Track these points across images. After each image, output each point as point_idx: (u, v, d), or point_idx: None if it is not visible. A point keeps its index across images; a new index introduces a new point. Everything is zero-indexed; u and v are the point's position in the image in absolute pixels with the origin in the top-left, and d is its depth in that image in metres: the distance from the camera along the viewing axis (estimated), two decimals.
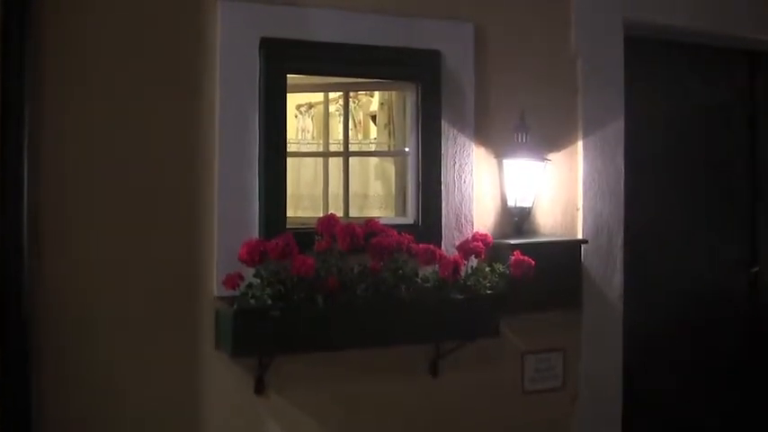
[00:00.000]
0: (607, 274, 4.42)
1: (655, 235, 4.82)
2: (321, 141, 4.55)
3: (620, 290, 4.46)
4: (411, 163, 4.05)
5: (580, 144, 4.39)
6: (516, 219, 4.18)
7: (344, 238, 3.55)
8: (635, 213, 4.60)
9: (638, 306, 4.64)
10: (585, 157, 4.39)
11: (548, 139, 4.29)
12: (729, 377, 5.03)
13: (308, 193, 4.96)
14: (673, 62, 4.90)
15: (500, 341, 4.07)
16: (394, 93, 4.52)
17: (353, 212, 4.22)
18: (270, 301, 3.44)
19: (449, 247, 3.98)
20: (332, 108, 5.51)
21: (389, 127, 4.76)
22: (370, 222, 3.72)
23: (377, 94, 5.40)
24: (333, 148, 4.41)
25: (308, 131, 6.37)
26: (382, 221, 3.78)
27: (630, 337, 4.53)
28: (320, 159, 4.42)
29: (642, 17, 4.56)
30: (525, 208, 4.18)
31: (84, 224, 3.45)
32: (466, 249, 3.85)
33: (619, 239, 4.46)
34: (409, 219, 4.04)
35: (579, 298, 4.30)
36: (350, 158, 4.14)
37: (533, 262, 3.86)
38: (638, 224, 4.65)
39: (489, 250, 3.93)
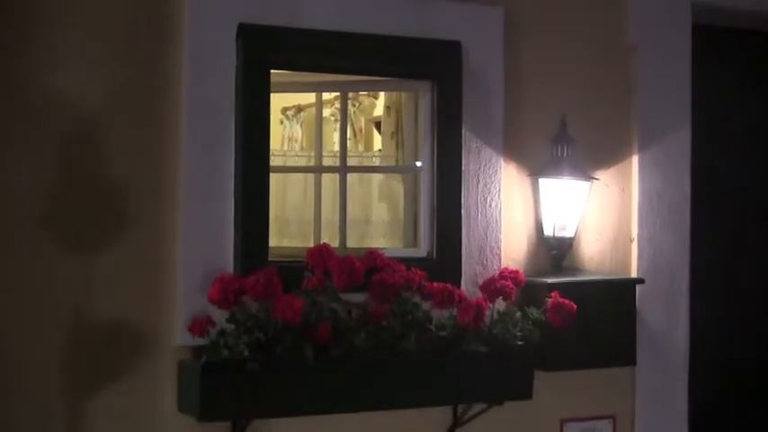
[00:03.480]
0: (669, 323, 4.49)
1: (730, 275, 4.89)
2: (312, 153, 4.60)
3: (686, 344, 4.53)
4: (424, 181, 4.13)
5: (635, 159, 4.48)
6: (555, 252, 4.26)
7: (340, 274, 3.61)
8: (705, 247, 4.68)
9: (708, 364, 4.71)
10: (642, 175, 4.47)
11: (595, 153, 4.39)
12: None
13: (295, 217, 5.02)
14: (755, 56, 4.98)
15: (534, 405, 4.10)
16: (403, 94, 4.60)
17: (352, 242, 4.27)
18: (247, 352, 3.50)
19: (470, 286, 4.06)
20: (326, 112, 5.60)
21: (397, 136, 4.83)
22: (372, 255, 3.79)
23: (382, 95, 5.48)
24: (327, 162, 4.48)
25: (297, 141, 6.47)
26: (387, 254, 3.85)
27: (698, 403, 4.60)
28: (311, 176, 4.49)
29: (716, 1, 4.65)
30: (566, 238, 4.26)
31: (10, 250, 3.50)
32: (491, 289, 3.91)
33: (684, 280, 4.53)
34: (421, 251, 4.11)
35: (633, 353, 4.34)
36: (348, 175, 4.22)
37: (575, 306, 3.93)
38: (708, 261, 4.73)
39: (521, 291, 4.01)
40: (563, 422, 4.31)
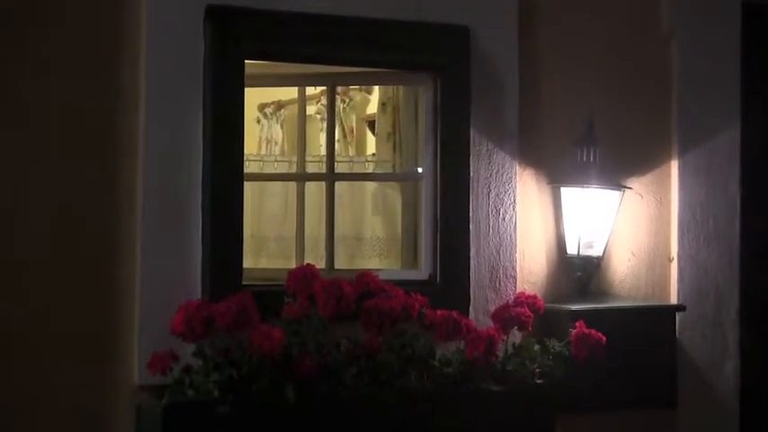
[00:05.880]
0: (715, 357, 4.51)
1: None
2: (295, 158, 4.64)
3: (736, 380, 4.56)
4: (426, 191, 4.15)
5: (674, 165, 4.51)
6: (580, 274, 4.29)
7: (327, 299, 3.62)
8: (757, 267, 4.69)
9: (763, 404, 4.71)
10: (683, 183, 4.50)
11: (627, 158, 4.42)
12: None
13: (274, 233, 5.05)
14: None
15: None
16: (401, 89, 4.63)
17: (341, 262, 4.30)
18: (217, 393, 3.52)
19: (480, 314, 4.09)
20: (311, 110, 5.63)
21: (394, 138, 4.86)
22: (364, 278, 3.80)
23: (376, 89, 5.52)
24: (312, 169, 4.52)
25: (277, 143, 6.49)
26: (382, 276, 3.86)
27: None
28: (293, 185, 4.52)
29: None
30: (593, 258, 4.28)
31: None
32: (505, 318, 3.93)
33: (732, 306, 4.55)
34: (422, 273, 4.15)
35: (673, 392, 4.37)
36: (336, 183, 4.24)
37: (604, 338, 3.94)
38: (761, 283, 4.72)
39: (539, 320, 4.03)
40: None
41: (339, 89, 5.41)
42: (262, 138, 6.53)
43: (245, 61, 3.88)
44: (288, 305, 3.68)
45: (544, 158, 4.32)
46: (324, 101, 5.08)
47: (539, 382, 3.95)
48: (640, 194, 4.47)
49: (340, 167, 4.53)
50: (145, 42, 3.76)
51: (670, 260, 4.51)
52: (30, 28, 3.65)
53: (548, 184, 4.32)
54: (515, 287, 4.20)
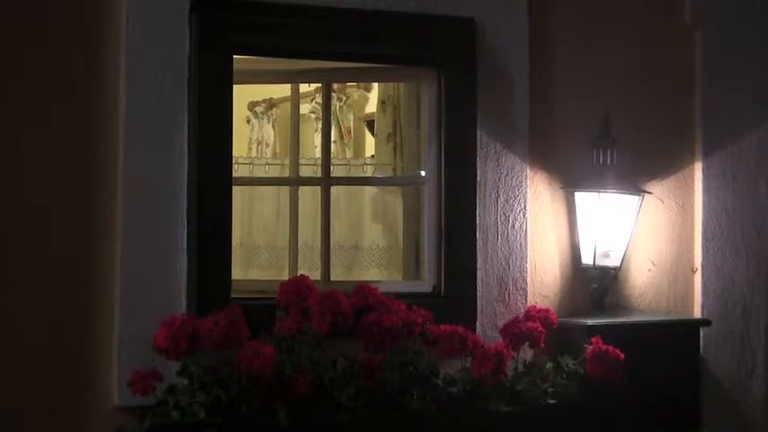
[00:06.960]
0: (742, 375, 4.50)
1: None
2: (288, 161, 4.64)
3: (765, 401, 4.54)
4: (429, 196, 4.15)
5: (698, 167, 4.50)
6: (596, 285, 4.28)
7: (323, 314, 3.61)
8: None
9: None
10: (708, 187, 4.50)
11: (646, 160, 4.41)
12: None
13: (266, 242, 5.05)
14: None
15: None
16: (402, 85, 4.63)
17: (338, 274, 4.30)
18: (204, 415, 3.50)
19: (488, 329, 4.08)
20: (305, 108, 5.64)
21: (395, 139, 4.87)
22: (363, 290, 3.79)
23: (375, 86, 5.52)
24: (306, 173, 4.50)
25: (268, 144, 6.50)
26: (382, 288, 3.85)
27: None
28: (285, 190, 4.52)
29: None
30: (610, 269, 4.27)
31: None
32: (515, 334, 3.92)
33: (761, 321, 4.54)
34: (426, 284, 4.14)
35: (698, 413, 4.36)
36: (333, 188, 4.23)
37: (622, 355, 3.93)
38: None
39: (552, 335, 4.01)
40: None
41: (335, 86, 5.42)
42: (252, 139, 6.55)
43: (234, 56, 3.87)
44: (280, 320, 3.67)
45: (557, 161, 4.31)
46: (319, 99, 5.09)
47: (551, 402, 3.93)
48: (661, 199, 4.47)
49: (336, 171, 4.52)
50: (126, 37, 3.75)
51: (693, 271, 4.51)
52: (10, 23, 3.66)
53: (561, 188, 4.32)
54: (526, 300, 4.19)
